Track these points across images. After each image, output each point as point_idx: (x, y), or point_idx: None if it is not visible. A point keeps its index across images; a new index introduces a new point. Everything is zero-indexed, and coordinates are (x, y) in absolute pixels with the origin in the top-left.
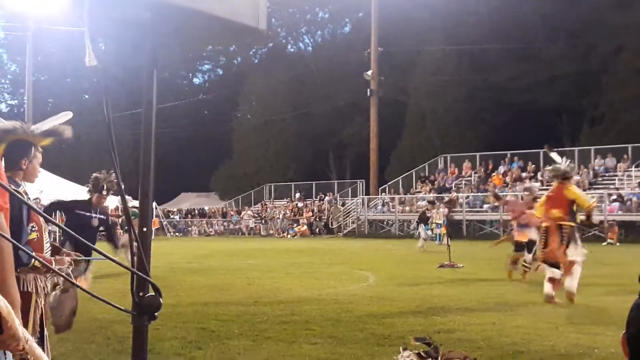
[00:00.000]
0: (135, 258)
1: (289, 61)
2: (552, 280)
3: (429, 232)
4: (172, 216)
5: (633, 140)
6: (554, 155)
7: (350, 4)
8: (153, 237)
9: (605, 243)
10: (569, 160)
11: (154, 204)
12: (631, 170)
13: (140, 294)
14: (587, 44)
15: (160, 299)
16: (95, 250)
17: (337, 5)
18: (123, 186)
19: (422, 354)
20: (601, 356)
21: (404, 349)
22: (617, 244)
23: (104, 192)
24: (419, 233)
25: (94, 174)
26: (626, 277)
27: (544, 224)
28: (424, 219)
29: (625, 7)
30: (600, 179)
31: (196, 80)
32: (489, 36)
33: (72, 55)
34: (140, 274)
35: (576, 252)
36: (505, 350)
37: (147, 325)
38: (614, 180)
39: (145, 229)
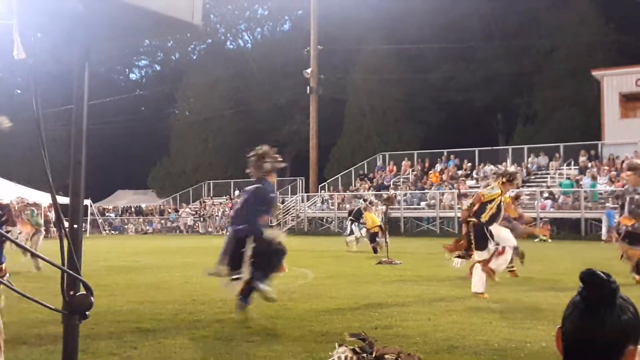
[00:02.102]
0: (66, 256)
1: (228, 58)
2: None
3: (362, 231)
4: (107, 214)
5: (565, 139)
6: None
7: (289, 1)
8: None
9: (537, 240)
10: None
11: (89, 201)
12: (563, 169)
13: (71, 292)
14: (522, 45)
15: (92, 298)
16: (25, 248)
17: (276, 2)
18: (53, 183)
19: (357, 349)
20: (533, 350)
21: (340, 345)
22: (549, 240)
23: None
24: (351, 230)
25: None
26: (557, 274)
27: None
28: (357, 217)
29: (558, 8)
30: (533, 176)
31: (133, 76)
32: (428, 36)
33: (3, 49)
34: (70, 272)
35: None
36: (440, 345)
37: (78, 325)
38: (546, 178)
39: (75, 227)
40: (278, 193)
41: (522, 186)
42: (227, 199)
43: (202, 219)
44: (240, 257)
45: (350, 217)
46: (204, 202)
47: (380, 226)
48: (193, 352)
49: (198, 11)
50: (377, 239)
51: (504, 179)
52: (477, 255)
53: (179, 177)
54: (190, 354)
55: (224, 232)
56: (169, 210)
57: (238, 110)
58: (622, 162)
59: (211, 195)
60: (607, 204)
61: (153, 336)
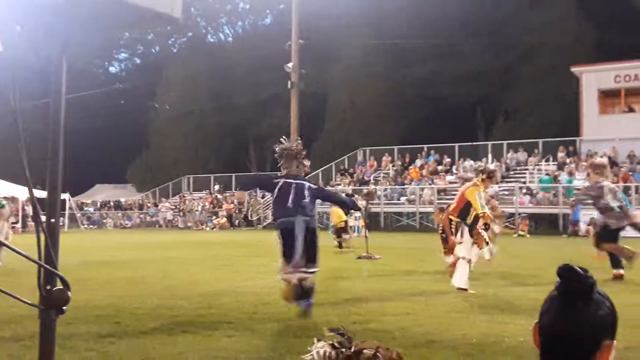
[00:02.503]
0: (43, 250)
1: (209, 51)
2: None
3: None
4: (86, 208)
5: (544, 135)
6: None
7: None
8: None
9: (515, 235)
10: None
11: (67, 195)
12: (541, 164)
13: (48, 287)
14: (505, 42)
15: (69, 293)
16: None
17: None
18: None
19: (335, 344)
20: (511, 344)
21: (318, 340)
22: (527, 235)
23: None
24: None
25: None
26: (535, 269)
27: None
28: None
29: (541, 5)
30: (512, 172)
31: (112, 69)
32: (410, 31)
33: None
34: (47, 266)
35: (463, 249)
36: (419, 339)
37: (55, 320)
38: (525, 173)
39: (53, 221)
40: (258, 188)
41: (501, 182)
42: (207, 194)
43: (181, 214)
44: (315, 249)
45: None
46: (184, 196)
47: (346, 221)
48: (172, 347)
49: (178, 4)
50: (342, 235)
51: (484, 176)
52: (459, 250)
53: (158, 171)
54: (169, 349)
55: (203, 227)
56: (149, 205)
57: (218, 104)
58: (601, 157)
59: (191, 189)
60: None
61: (132, 331)
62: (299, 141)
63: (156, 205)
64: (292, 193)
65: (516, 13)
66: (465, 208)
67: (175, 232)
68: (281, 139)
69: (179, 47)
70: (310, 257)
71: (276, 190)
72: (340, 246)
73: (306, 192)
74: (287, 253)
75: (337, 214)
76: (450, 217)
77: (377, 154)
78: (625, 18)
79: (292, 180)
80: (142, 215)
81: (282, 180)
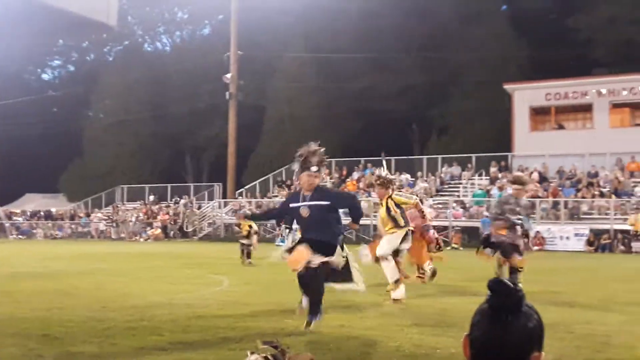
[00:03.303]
0: None
1: (146, 60)
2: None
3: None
4: (15, 218)
5: (477, 150)
6: (384, 164)
7: (210, 5)
8: None
9: (449, 247)
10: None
11: None
12: (474, 179)
13: None
14: (437, 57)
15: None
16: None
17: (196, 6)
18: None
19: (269, 357)
20: (443, 356)
21: (252, 353)
22: (461, 248)
23: None
24: (287, 238)
25: None
26: (468, 281)
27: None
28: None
29: (472, 22)
30: (446, 186)
31: (45, 76)
32: (348, 45)
33: None
34: None
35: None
36: (353, 352)
37: None
38: (459, 188)
39: None
40: (195, 199)
41: (436, 195)
42: (141, 204)
43: (114, 224)
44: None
45: (285, 225)
46: (117, 206)
47: (249, 232)
48: None
49: (113, 12)
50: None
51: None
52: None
53: (91, 181)
54: None
55: (137, 237)
56: (80, 215)
57: (155, 114)
58: (531, 173)
59: (125, 200)
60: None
61: (60, 344)
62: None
63: (88, 216)
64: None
65: (450, 29)
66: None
67: (108, 243)
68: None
69: (115, 55)
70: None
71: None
72: (248, 257)
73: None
74: None
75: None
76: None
77: None
78: (557, 36)
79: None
80: (73, 226)
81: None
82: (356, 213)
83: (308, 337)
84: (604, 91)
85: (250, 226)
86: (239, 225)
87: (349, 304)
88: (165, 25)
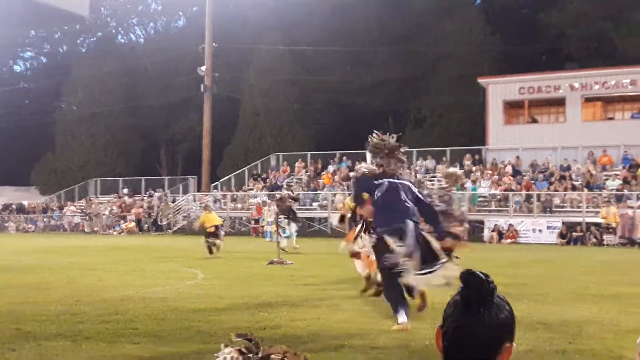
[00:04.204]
0: None
1: (119, 52)
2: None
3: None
4: None
5: (451, 144)
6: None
7: None
8: None
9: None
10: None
11: None
12: None
13: None
14: (413, 51)
15: None
16: None
17: None
18: None
19: (243, 350)
20: (417, 348)
21: (226, 346)
22: None
23: None
24: (285, 230)
25: None
26: None
27: None
28: (289, 213)
29: (447, 16)
30: (421, 179)
31: (17, 68)
32: (323, 38)
33: None
34: None
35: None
36: (328, 344)
37: None
38: (434, 181)
39: None
40: (169, 192)
41: None
42: (115, 197)
43: (88, 218)
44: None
45: (285, 216)
46: (91, 200)
47: (216, 226)
48: (76, 355)
49: (86, 3)
50: (211, 239)
51: None
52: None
53: (64, 174)
54: (72, 356)
55: (111, 231)
56: (53, 208)
57: (129, 106)
58: (505, 166)
59: (98, 193)
60: (489, 207)
61: (33, 338)
62: (394, 136)
63: (61, 209)
64: (401, 195)
65: (425, 23)
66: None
67: (81, 236)
68: (374, 134)
69: (88, 46)
70: (429, 257)
71: (380, 192)
72: (210, 251)
73: (411, 194)
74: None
75: (208, 219)
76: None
77: (290, 160)
78: (530, 31)
79: (396, 181)
80: (46, 219)
81: (386, 181)
82: None
83: (282, 330)
84: (576, 85)
85: (216, 226)
86: (202, 224)
87: (325, 297)
88: (139, 17)
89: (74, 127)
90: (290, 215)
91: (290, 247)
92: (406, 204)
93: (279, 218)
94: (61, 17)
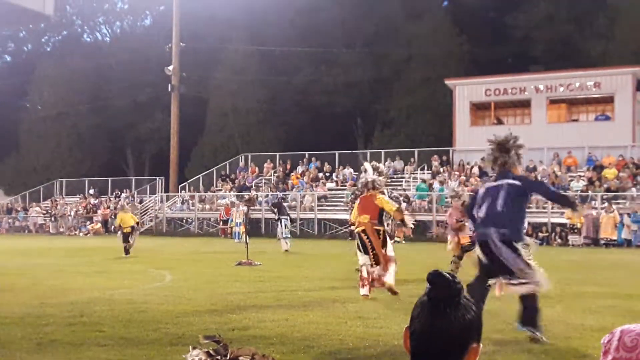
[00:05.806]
0: None
1: (85, 51)
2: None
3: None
4: None
5: (419, 145)
6: (367, 165)
7: None
8: None
9: (392, 241)
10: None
11: None
12: (417, 173)
13: None
14: (381, 52)
15: None
16: None
17: None
18: None
19: (211, 352)
20: (385, 349)
21: (194, 348)
22: (403, 241)
23: None
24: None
25: None
26: (408, 273)
27: (359, 228)
28: (283, 212)
29: (415, 18)
30: (389, 180)
31: None
32: (291, 39)
33: None
34: None
35: (390, 251)
36: (297, 345)
37: None
38: (402, 181)
39: None
40: (136, 193)
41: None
42: (81, 198)
43: (53, 219)
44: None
45: (279, 215)
46: (56, 200)
47: (132, 227)
48: (41, 358)
49: (50, 1)
50: (129, 240)
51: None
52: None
53: (29, 174)
54: (37, 359)
55: (77, 232)
56: (18, 209)
57: (95, 106)
58: (472, 167)
59: (64, 193)
60: None
61: None
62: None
63: (26, 210)
64: (489, 200)
65: (392, 25)
66: (380, 215)
67: (46, 237)
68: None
69: (53, 45)
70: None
71: (477, 197)
72: (126, 252)
73: (501, 196)
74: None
75: (124, 219)
76: (378, 228)
77: (259, 160)
78: (496, 33)
79: (493, 183)
80: (10, 220)
81: (486, 184)
82: None
83: (251, 331)
84: (541, 87)
85: (132, 227)
86: (119, 226)
87: (293, 298)
88: (105, 15)
89: (39, 126)
90: (282, 209)
91: (284, 247)
92: (492, 210)
93: (282, 219)
94: (25, 16)
